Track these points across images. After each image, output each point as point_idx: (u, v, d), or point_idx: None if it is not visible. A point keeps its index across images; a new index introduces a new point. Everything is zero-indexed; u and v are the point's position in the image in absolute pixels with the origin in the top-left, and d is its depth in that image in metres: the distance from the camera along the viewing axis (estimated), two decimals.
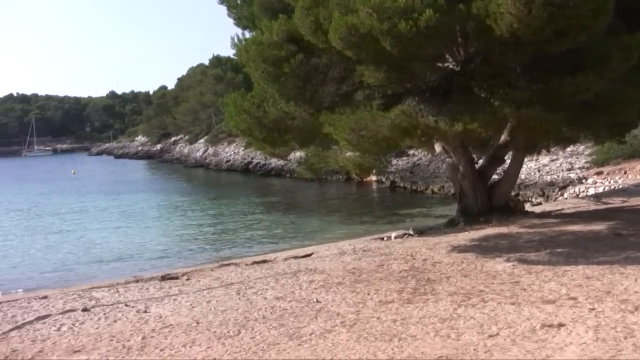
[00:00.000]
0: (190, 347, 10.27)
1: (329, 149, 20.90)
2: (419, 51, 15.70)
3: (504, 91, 16.96)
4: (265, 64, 18.13)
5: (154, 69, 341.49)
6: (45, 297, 15.82)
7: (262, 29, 18.24)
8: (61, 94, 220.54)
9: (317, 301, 12.78)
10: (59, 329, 12.18)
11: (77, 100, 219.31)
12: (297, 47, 17.77)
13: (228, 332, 10.99)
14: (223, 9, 23.17)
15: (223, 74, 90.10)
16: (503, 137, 21.97)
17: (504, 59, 16.55)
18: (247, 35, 20.71)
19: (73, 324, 12.46)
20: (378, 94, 18.74)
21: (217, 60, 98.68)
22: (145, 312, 13.03)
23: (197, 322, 11.80)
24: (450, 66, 18.11)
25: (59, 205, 47.77)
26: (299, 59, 17.72)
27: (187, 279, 17.00)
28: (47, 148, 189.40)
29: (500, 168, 25.46)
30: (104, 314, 13.09)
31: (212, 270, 18.49)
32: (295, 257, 19.55)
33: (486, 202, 22.54)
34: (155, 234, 32.22)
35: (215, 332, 11.05)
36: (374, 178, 49.00)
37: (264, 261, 19.52)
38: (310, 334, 10.46)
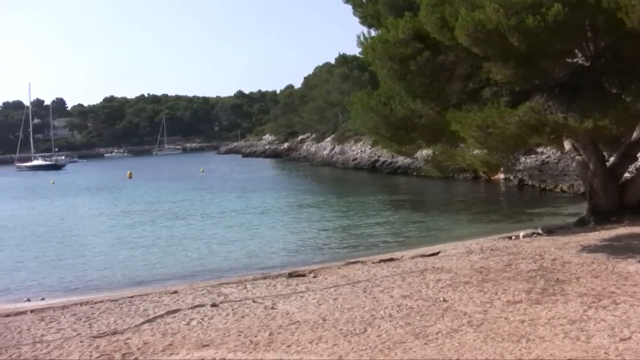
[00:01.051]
0: (317, 344, 10.36)
1: (456, 146, 20.71)
2: (547, 47, 15.41)
3: (636, 87, 16.46)
4: (391, 62, 18.12)
5: (281, 68, 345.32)
6: (175, 292, 16.27)
7: (387, 27, 18.23)
8: (190, 94, 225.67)
9: (444, 300, 12.69)
10: (188, 323, 12.50)
11: (205, 100, 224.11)
12: (423, 45, 17.69)
13: (354, 329, 11.04)
14: (349, 7, 23.27)
15: (349, 73, 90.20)
16: (635, 134, 21.31)
17: (636, 53, 16.04)
18: (373, 33, 20.75)
19: (202, 319, 12.76)
20: (505, 91, 18.48)
21: (343, 59, 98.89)
22: (272, 308, 13.22)
23: (324, 319, 11.89)
24: (580, 62, 17.70)
25: (187, 203, 48.92)
26: (425, 56, 17.65)
27: (314, 277, 17.15)
28: (177, 147, 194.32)
29: (633, 166, 24.67)
30: (232, 310, 13.35)
31: (339, 268, 18.60)
32: (422, 256, 19.47)
33: (618, 201, 21.89)
34: (282, 232, 32.54)
35: (341, 329, 11.11)
36: (501, 176, 48.12)
37: (391, 259, 19.52)
38: (437, 333, 10.40)
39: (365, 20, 22.86)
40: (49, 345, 11.58)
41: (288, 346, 10.35)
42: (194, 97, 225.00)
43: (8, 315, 14.90)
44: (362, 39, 19.62)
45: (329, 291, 14.69)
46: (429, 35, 17.02)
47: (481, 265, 16.28)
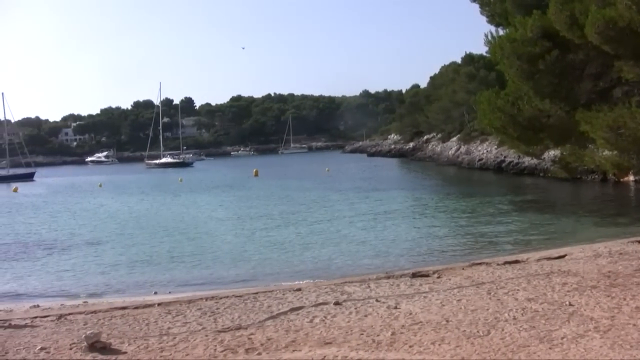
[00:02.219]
0: (439, 345, 10.31)
1: (585, 147, 20.26)
2: None
3: None
4: (519, 61, 17.90)
5: (407, 67, 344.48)
6: (299, 290, 16.43)
7: (515, 25, 18.02)
8: (316, 93, 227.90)
9: (570, 304, 12.42)
10: (311, 321, 12.61)
11: (331, 99, 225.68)
12: (552, 43, 17.40)
13: (477, 331, 10.93)
14: (476, 6, 23.06)
15: (476, 72, 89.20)
16: None
17: None
18: (501, 32, 20.54)
19: (325, 317, 12.86)
20: (637, 91, 17.96)
21: (469, 58, 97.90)
22: (395, 308, 13.21)
23: (447, 321, 11.82)
24: None
25: (312, 202, 49.33)
26: (554, 55, 17.35)
27: (438, 277, 17.05)
28: (303, 146, 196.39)
29: None
30: (355, 308, 13.40)
31: (462, 269, 18.43)
32: (548, 258, 19.10)
33: None
34: (406, 231, 32.45)
35: (464, 331, 11.02)
36: (631, 178, 46.64)
37: (516, 261, 19.21)
38: (562, 338, 10.19)
39: (492, 18, 22.62)
40: (175, 338, 11.90)
41: (410, 346, 10.33)
42: (320, 96, 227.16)
43: (137, 308, 15.37)
44: (489, 37, 19.48)
45: (453, 292, 14.58)
46: (558, 33, 16.73)
47: (609, 270, 15.84)
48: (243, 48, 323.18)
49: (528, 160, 59.86)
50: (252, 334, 11.82)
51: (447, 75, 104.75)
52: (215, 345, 11.14)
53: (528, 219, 34.42)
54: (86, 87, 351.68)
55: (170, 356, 10.73)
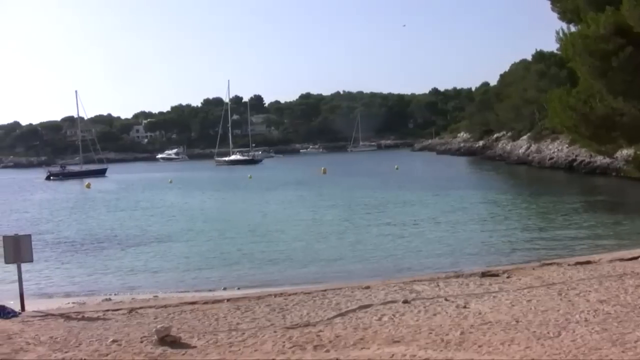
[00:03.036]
0: (509, 345, 10.22)
1: None
2: None
3: None
4: (592, 58, 17.63)
5: (477, 65, 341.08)
6: (367, 288, 16.44)
7: (588, 22, 17.73)
8: (385, 91, 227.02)
9: None
10: (379, 319, 12.61)
11: (400, 97, 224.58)
12: (626, 40, 17.08)
13: (548, 332, 10.80)
14: (547, 3, 22.78)
15: (546, 70, 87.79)
16: None
17: None
18: (572, 29, 20.23)
19: (393, 315, 12.85)
20: None
21: (540, 56, 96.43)
22: (464, 307, 13.14)
23: (517, 321, 11.71)
24: None
25: (381, 200, 49.22)
26: (628, 52, 17.04)
27: (508, 277, 16.90)
28: (372, 144, 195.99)
29: None
30: (424, 307, 13.37)
31: (533, 269, 18.23)
32: (621, 260, 18.77)
33: None
34: (475, 230, 32.20)
35: (534, 332, 10.91)
36: None
37: (588, 262, 18.93)
38: (636, 341, 10.01)
39: (564, 15, 22.29)
40: (243, 333, 12.02)
41: (479, 346, 10.27)
42: (389, 94, 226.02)
43: (206, 303, 15.58)
44: (560, 34, 19.18)
45: (523, 292, 14.43)
46: (632, 29, 16.43)
47: None
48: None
49: (600, 159, 58.81)
50: (320, 331, 11.87)
51: (518, 73, 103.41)
52: (284, 342, 11.21)
53: (600, 220, 33.85)
54: (157, 85, 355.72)
55: (239, 351, 10.84)
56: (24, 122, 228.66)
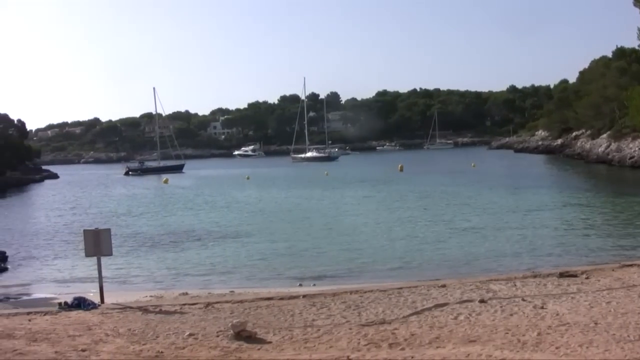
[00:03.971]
0: (587, 347, 10.06)
1: None
2: None
3: None
4: None
5: (555, 62, 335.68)
6: (443, 286, 16.35)
7: None
8: (462, 88, 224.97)
9: None
10: (455, 318, 12.54)
11: (477, 94, 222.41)
12: None
13: (628, 336, 10.60)
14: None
15: (627, 66, 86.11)
16: None
17: None
18: None
19: (469, 314, 12.77)
20: None
21: (620, 52, 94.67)
22: (542, 308, 12.98)
23: (595, 323, 11.52)
24: None
25: (458, 198, 48.91)
26: None
27: (586, 278, 16.63)
28: (448, 141, 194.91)
29: None
30: (501, 307, 13.25)
31: (612, 270, 17.89)
32: None
33: None
34: (554, 230, 31.74)
35: (614, 334, 10.71)
36: None
37: None
38: None
39: None
40: (319, 330, 12.07)
41: (557, 348, 10.13)
42: (466, 91, 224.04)
43: (282, 299, 15.68)
44: None
45: (602, 294, 14.19)
46: None
47: None
48: None
49: None
50: (395, 328, 11.86)
51: (597, 70, 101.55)
52: (359, 339, 11.24)
53: None
54: (234, 82, 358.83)
55: (314, 347, 10.90)
56: (103, 119, 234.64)
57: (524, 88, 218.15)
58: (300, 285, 21.08)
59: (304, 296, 16.00)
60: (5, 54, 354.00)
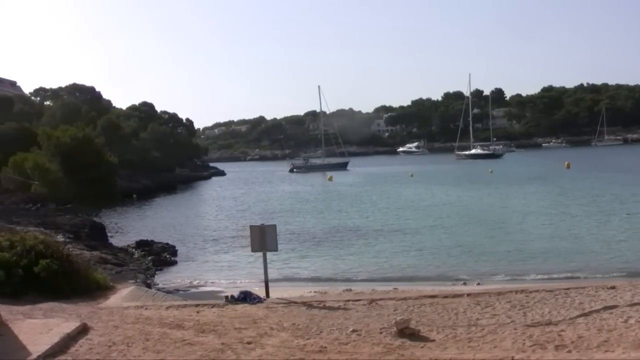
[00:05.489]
0: None
1: None
2: None
3: None
4: None
5: None
6: (613, 288, 15.78)
7: None
8: (632, 82, 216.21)
9: None
10: (625, 321, 12.07)
11: None
12: None
13: None
14: None
15: None
16: None
17: None
18: None
19: None
20: None
21: None
22: None
23: None
24: None
25: (630, 196, 46.97)
26: None
27: None
28: (618, 138, 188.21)
29: None
30: None
31: None
32: None
33: None
34: None
35: None
36: None
37: None
38: None
39: None
40: (483, 329, 11.91)
41: None
42: (636, 85, 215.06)
43: (446, 297, 15.56)
44: None
45: None
46: None
47: None
48: None
49: None
50: (562, 330, 11.55)
51: None
52: (524, 340, 11.01)
53: None
54: (397, 80, 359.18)
55: (478, 347, 10.78)
56: (268, 117, 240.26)
57: None
58: (464, 283, 20.96)
59: (468, 295, 15.82)
60: (177, 56, 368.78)
